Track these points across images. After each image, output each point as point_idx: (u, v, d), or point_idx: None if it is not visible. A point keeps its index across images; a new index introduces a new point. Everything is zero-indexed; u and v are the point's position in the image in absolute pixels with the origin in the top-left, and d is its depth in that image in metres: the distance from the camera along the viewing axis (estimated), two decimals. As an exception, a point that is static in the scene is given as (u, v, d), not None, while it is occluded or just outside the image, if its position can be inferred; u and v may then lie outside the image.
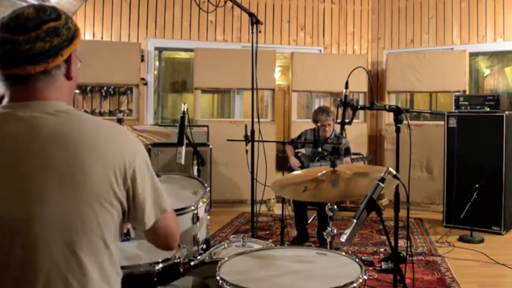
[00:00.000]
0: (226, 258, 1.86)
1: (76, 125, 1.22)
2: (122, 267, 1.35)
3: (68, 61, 1.26)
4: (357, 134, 6.27)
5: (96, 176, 1.18)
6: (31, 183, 1.15)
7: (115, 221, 1.24)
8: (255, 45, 3.42)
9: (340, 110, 2.56)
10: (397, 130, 2.65)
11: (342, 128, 2.60)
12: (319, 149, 4.21)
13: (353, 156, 4.69)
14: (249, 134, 3.60)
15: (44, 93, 1.23)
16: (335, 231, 2.32)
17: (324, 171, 2.48)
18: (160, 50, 6.82)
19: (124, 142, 1.26)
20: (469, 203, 4.62)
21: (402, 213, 2.84)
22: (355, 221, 1.74)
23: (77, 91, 6.02)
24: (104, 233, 1.21)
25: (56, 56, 1.21)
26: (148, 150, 5.40)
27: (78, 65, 1.33)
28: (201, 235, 2.76)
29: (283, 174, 3.74)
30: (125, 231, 1.73)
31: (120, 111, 6.18)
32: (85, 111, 5.81)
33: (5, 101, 1.24)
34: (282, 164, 5.50)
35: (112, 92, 6.28)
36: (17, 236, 1.15)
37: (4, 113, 1.21)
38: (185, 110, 3.26)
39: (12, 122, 1.19)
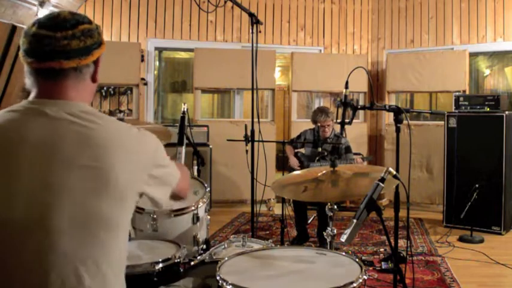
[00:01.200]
0: (226, 258, 1.86)
1: (101, 126, 1.26)
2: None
3: (96, 63, 1.33)
4: (357, 134, 6.27)
5: (120, 174, 1.23)
6: (53, 179, 1.18)
7: (129, 217, 1.30)
8: (255, 45, 3.43)
9: (340, 110, 2.56)
10: (397, 130, 2.66)
11: (342, 128, 2.61)
12: (319, 149, 4.21)
13: (353, 157, 4.69)
14: (249, 134, 3.60)
15: (71, 93, 1.28)
16: (335, 231, 2.31)
17: (324, 171, 2.48)
18: (160, 50, 6.82)
19: (145, 141, 1.34)
20: (469, 203, 4.62)
21: (402, 213, 2.84)
22: (355, 221, 1.74)
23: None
24: (118, 229, 1.25)
25: (88, 55, 1.29)
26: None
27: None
28: (201, 235, 2.77)
29: (283, 174, 3.74)
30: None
31: (120, 111, 6.19)
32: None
33: (32, 96, 1.28)
34: (282, 164, 5.50)
35: (112, 92, 6.28)
36: (35, 230, 1.17)
37: (32, 108, 1.25)
38: (185, 110, 3.26)
39: (39, 118, 1.23)
